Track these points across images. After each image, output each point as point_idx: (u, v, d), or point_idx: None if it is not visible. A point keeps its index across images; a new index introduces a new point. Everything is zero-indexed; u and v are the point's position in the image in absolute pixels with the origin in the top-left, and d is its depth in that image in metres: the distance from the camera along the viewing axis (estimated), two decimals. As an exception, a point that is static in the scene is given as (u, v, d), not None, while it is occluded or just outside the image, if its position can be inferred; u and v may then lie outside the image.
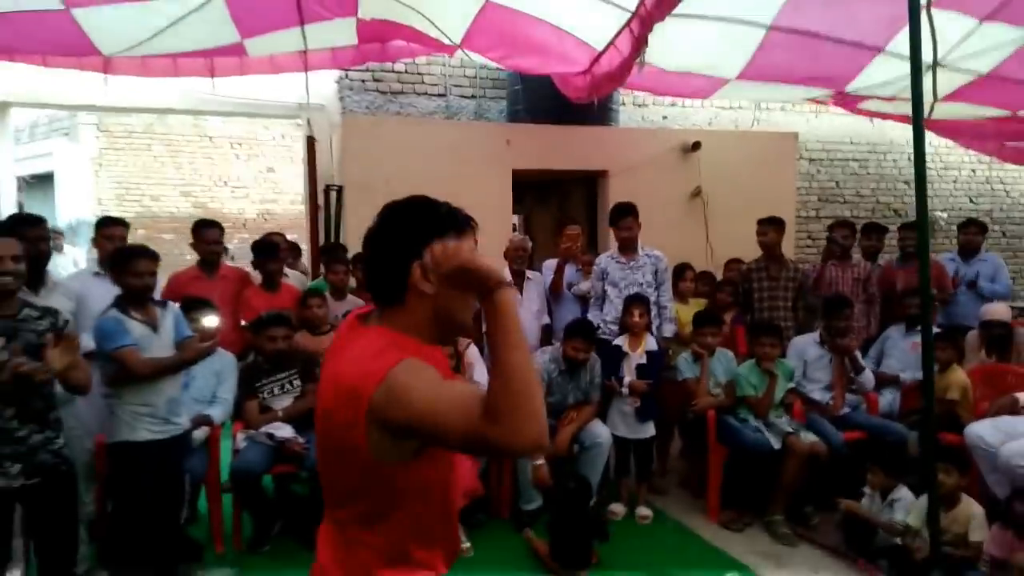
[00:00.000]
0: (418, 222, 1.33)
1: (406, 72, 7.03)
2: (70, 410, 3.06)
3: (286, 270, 4.87)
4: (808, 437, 4.02)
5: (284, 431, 3.74)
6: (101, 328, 2.99)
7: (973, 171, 8.88)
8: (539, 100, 6.19)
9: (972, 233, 5.50)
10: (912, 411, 4.54)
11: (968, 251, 5.49)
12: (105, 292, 3.29)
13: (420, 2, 4.24)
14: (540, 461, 3.92)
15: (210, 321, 3.33)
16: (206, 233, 4.30)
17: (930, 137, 7.90)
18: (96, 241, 3.84)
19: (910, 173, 8.55)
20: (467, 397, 1.20)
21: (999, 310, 4.99)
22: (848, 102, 5.39)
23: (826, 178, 8.40)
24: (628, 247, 4.51)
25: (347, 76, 6.83)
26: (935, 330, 4.62)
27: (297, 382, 3.98)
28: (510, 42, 4.56)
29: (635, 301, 4.24)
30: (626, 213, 4.46)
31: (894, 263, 5.51)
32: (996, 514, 3.30)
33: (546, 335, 4.85)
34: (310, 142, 5.85)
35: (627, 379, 4.17)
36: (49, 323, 2.66)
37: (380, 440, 1.23)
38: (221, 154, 11.36)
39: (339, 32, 4.55)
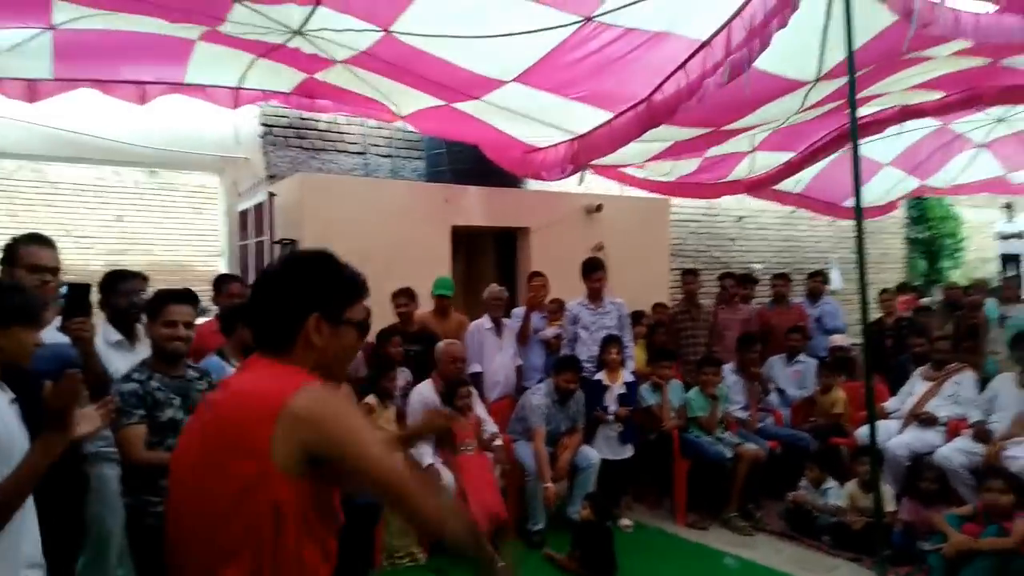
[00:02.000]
0: (326, 280, 1.41)
1: (328, 131, 7.29)
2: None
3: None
4: (751, 446, 5.02)
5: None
6: None
7: (778, 230, 10.99)
8: (462, 163, 6.84)
9: (818, 281, 7.05)
10: (805, 422, 5.76)
11: (815, 296, 7.02)
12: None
13: (384, 87, 4.82)
14: (549, 484, 4.47)
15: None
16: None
17: (751, 202, 9.88)
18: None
19: (735, 231, 10.47)
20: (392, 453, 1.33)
21: (840, 339, 6.53)
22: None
23: (673, 235, 9.92)
24: (596, 296, 5.28)
25: (271, 131, 6.94)
26: (812, 359, 5.97)
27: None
28: (453, 129, 5.30)
29: (611, 341, 5.02)
30: (597, 268, 5.25)
31: (768, 306, 6.87)
32: (902, 490, 4.48)
33: (519, 375, 5.42)
34: (271, 197, 5.90)
35: (612, 408, 4.89)
36: (207, 383, 2.74)
37: (287, 447, 1.22)
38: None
39: (280, 78, 4.91)
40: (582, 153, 5.22)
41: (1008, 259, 11.68)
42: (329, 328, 1.38)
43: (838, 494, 4.65)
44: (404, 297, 5.09)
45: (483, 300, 5.38)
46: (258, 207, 6.18)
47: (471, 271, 7.64)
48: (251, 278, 5.87)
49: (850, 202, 7.57)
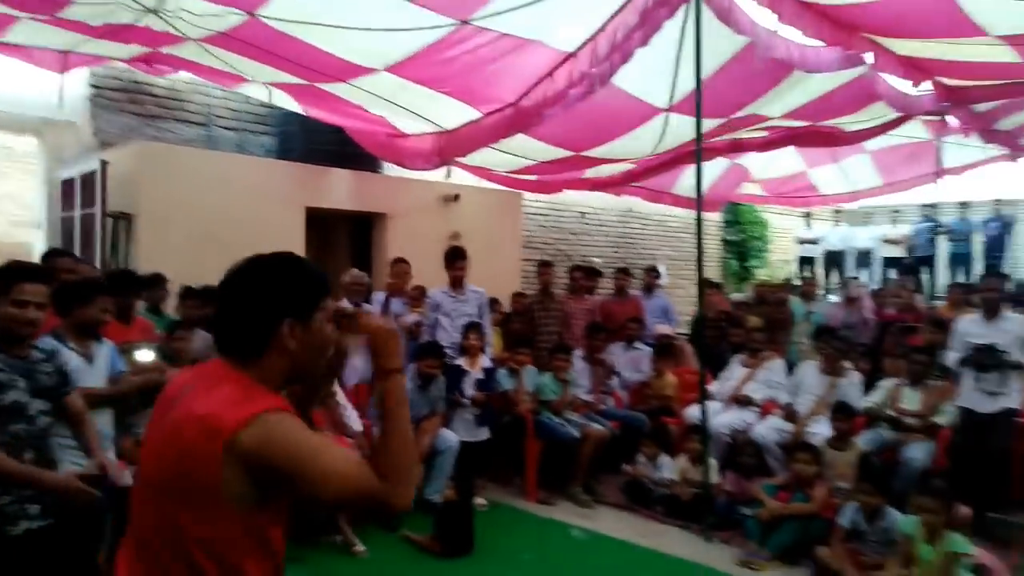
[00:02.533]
0: (297, 282, 1.38)
1: (167, 97, 6.76)
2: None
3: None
4: (596, 427, 5.39)
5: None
6: None
7: (615, 226, 11.74)
8: (317, 142, 6.65)
9: (652, 276, 7.66)
10: (641, 404, 6.27)
11: (649, 289, 7.62)
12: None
13: (241, 65, 4.65)
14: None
15: (144, 356, 3.26)
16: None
17: (593, 200, 10.49)
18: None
19: (579, 227, 11.04)
20: (349, 456, 1.32)
21: (666, 328, 7.18)
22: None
23: (524, 227, 10.29)
24: (458, 284, 5.39)
25: (101, 94, 6.32)
26: (647, 346, 6.50)
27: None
28: (313, 104, 5.21)
29: (472, 328, 5.17)
30: (460, 256, 5.36)
31: (610, 298, 7.36)
32: (724, 464, 5.05)
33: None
34: (104, 166, 5.36)
35: (470, 392, 5.04)
36: (54, 367, 2.52)
37: (235, 480, 1.23)
38: None
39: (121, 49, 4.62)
40: (449, 148, 5.33)
41: (805, 261, 13.29)
42: (302, 330, 1.36)
43: (670, 468, 5.14)
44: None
45: (342, 285, 5.29)
46: (87, 176, 5.61)
47: (325, 255, 7.45)
48: (78, 252, 5.34)
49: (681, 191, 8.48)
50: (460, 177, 7.76)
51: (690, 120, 5.48)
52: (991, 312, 4.72)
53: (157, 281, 4.81)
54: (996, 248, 11.40)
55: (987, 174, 10.10)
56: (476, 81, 4.63)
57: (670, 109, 5.53)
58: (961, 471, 4.49)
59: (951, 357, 4.90)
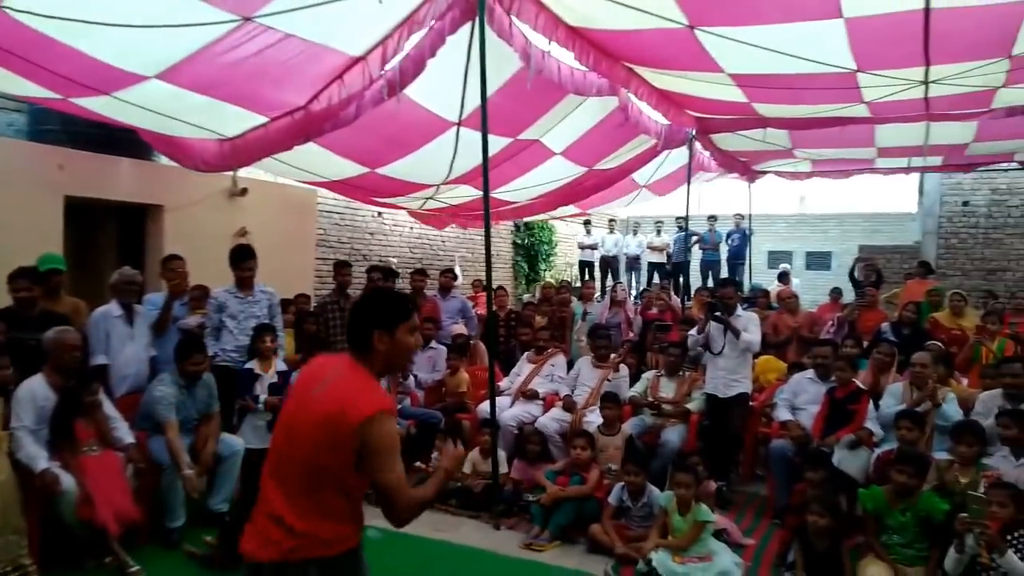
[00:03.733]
0: (384, 305, 2.19)
1: None
2: None
3: None
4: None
5: None
6: None
7: (411, 228, 11.86)
8: (77, 124, 5.95)
9: (448, 277, 7.90)
10: (436, 402, 6.46)
11: (445, 290, 7.84)
12: None
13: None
14: (187, 471, 4.26)
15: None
16: None
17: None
18: None
19: (375, 226, 10.99)
20: (402, 470, 2.05)
21: (459, 328, 7.47)
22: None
23: (318, 225, 10.03)
24: (246, 284, 5.15)
25: None
26: (441, 346, 6.69)
27: None
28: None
29: (265, 330, 4.98)
30: (248, 256, 5.12)
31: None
32: (512, 454, 5.38)
33: (152, 368, 4.98)
34: None
35: (262, 397, 4.86)
36: None
37: (353, 445, 1.98)
38: None
39: None
40: (234, 156, 5.07)
41: (585, 265, 14.45)
42: (388, 338, 2.12)
43: (464, 463, 5.37)
44: (25, 280, 4.32)
45: (111, 285, 4.82)
46: None
47: (88, 251, 6.69)
48: None
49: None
50: (247, 170, 7.39)
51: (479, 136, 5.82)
52: (729, 311, 5.53)
53: None
54: (738, 256, 13.27)
55: (729, 192, 11.84)
56: (262, 85, 4.45)
57: (460, 123, 5.77)
58: (707, 449, 5.25)
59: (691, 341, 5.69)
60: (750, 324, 5.43)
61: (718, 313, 5.39)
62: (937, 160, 9.38)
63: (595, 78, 5.46)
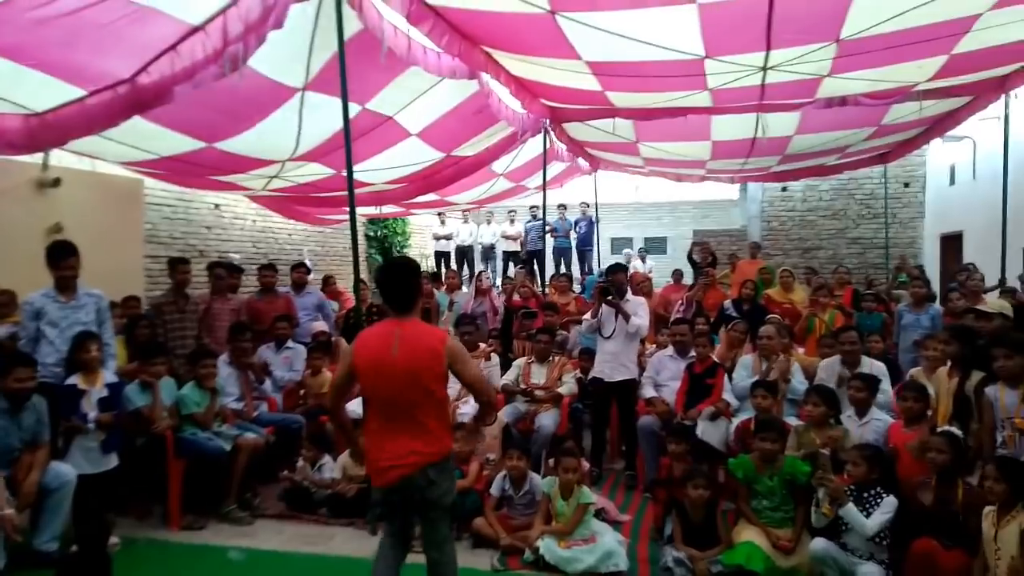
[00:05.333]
0: (418, 274, 3.01)
1: None
2: None
3: None
4: (250, 436, 5.01)
5: None
6: None
7: (254, 221, 11.06)
8: None
9: (302, 272, 7.41)
10: (297, 405, 6.03)
11: (299, 286, 7.35)
12: None
13: None
14: (5, 511, 3.63)
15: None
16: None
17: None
18: None
19: (212, 219, 10.13)
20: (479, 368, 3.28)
21: (321, 325, 7.06)
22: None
23: (144, 219, 9.04)
24: (68, 286, 4.47)
25: None
26: (299, 345, 6.29)
27: None
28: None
29: (89, 338, 4.34)
30: (69, 253, 4.43)
31: (256, 296, 6.90)
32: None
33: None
34: None
35: (92, 415, 4.24)
36: None
37: (444, 365, 2.85)
38: None
39: None
40: (43, 134, 4.36)
41: (441, 256, 14.28)
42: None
43: (332, 468, 5.04)
44: None
45: None
46: None
47: None
48: None
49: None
50: (57, 156, 6.46)
51: (329, 100, 5.41)
52: (620, 295, 5.57)
53: None
54: (586, 243, 13.72)
55: (574, 182, 12.18)
56: (78, 51, 3.85)
57: (305, 87, 5.36)
58: (596, 431, 5.33)
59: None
60: (639, 308, 5.57)
61: (611, 297, 5.47)
62: (766, 163, 10.18)
63: (450, 60, 5.31)
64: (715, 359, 5.49)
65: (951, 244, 11.81)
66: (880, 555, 3.52)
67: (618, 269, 5.82)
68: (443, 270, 13.88)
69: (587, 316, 5.68)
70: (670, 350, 5.65)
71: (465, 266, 14.06)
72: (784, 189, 13.62)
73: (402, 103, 6.12)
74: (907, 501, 3.54)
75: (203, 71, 3.87)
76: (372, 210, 10.87)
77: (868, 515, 3.50)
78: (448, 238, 14.16)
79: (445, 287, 8.08)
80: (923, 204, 13.26)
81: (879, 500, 3.53)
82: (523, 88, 6.70)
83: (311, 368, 6.09)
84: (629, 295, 5.66)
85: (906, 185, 13.29)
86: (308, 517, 4.84)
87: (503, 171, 9.22)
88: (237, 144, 5.83)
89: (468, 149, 7.61)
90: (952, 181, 11.89)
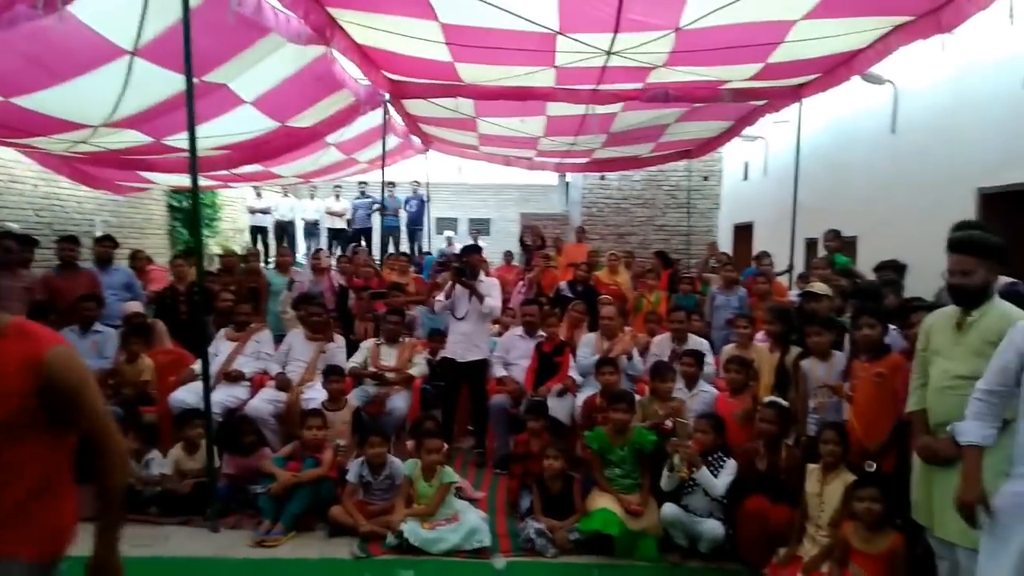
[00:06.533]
0: None
1: None
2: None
3: None
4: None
5: None
6: None
7: (36, 185, 9.59)
8: None
9: (107, 246, 6.56)
10: (112, 396, 5.36)
11: (104, 261, 6.50)
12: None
13: None
14: None
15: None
16: None
17: (2, 153, 8.37)
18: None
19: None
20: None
21: (136, 305, 6.37)
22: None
23: None
24: None
25: None
26: (110, 328, 5.63)
27: None
28: None
29: None
30: None
31: (54, 272, 6.00)
32: (223, 446, 4.74)
33: None
34: None
35: None
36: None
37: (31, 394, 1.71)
38: None
39: None
40: None
41: (257, 231, 13.37)
42: None
43: (162, 463, 4.57)
44: None
45: None
46: None
47: None
48: None
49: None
50: None
51: (158, 71, 4.89)
52: (474, 275, 5.56)
53: None
54: (416, 222, 13.61)
55: (409, 160, 12.01)
56: None
57: (135, 52, 4.77)
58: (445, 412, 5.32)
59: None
60: (492, 289, 5.61)
61: (465, 278, 5.44)
62: (592, 144, 10.68)
63: (299, 24, 4.97)
64: (562, 338, 5.72)
65: (743, 233, 13.28)
66: (718, 513, 3.92)
67: (473, 250, 5.84)
68: (261, 246, 13.06)
69: (439, 297, 5.64)
70: (519, 330, 5.79)
71: (285, 242, 13.31)
72: (602, 178, 14.46)
73: (237, 71, 5.62)
74: (739, 463, 3.97)
75: (11, 8, 3.26)
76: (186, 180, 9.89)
77: (716, 476, 3.88)
78: (265, 212, 13.30)
79: (277, 266, 7.57)
80: (720, 196, 14.77)
81: (722, 463, 3.93)
82: (367, 59, 6.44)
83: (127, 354, 5.44)
84: (482, 276, 5.71)
85: (705, 179, 14.71)
86: (135, 517, 4.33)
87: (335, 141, 8.80)
88: (43, 101, 5.01)
89: (305, 120, 7.17)
90: (746, 177, 13.34)
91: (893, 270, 4.88)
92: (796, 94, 7.29)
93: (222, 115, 6.33)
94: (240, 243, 14.09)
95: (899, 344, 3.88)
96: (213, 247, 12.75)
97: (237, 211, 14.76)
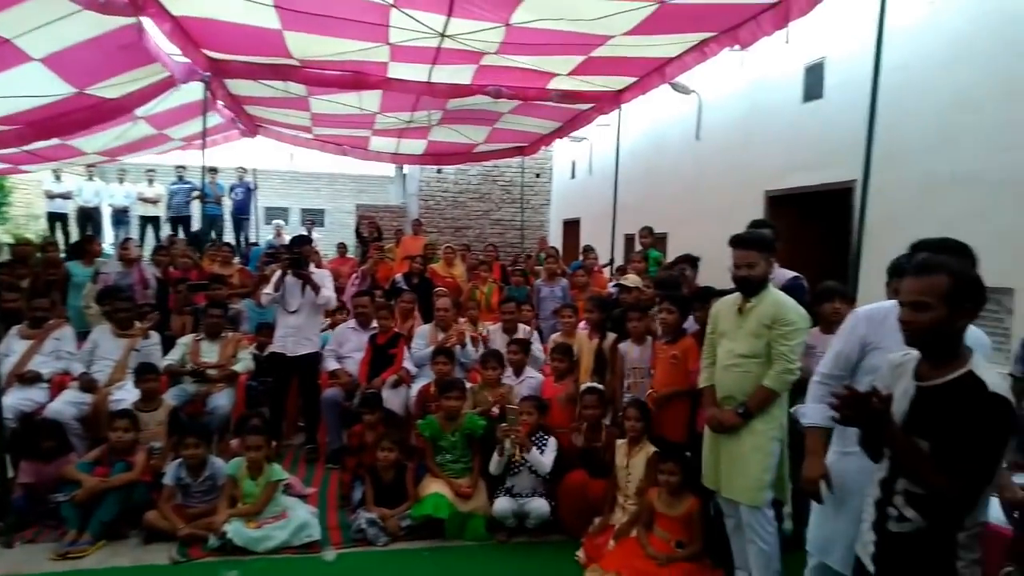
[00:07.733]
0: None
1: None
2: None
3: None
4: None
5: None
6: None
7: None
8: None
9: None
10: None
11: None
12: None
13: None
14: None
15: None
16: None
17: None
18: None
19: None
20: None
21: None
22: None
23: None
24: None
25: None
26: None
27: None
28: None
29: None
30: None
31: None
32: (17, 454, 4.28)
33: None
34: None
35: None
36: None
37: None
38: None
39: None
40: None
41: (56, 218, 12.00)
42: None
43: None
44: None
45: None
46: None
47: None
48: None
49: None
50: None
51: None
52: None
53: None
54: (243, 211, 12.89)
55: (234, 145, 11.37)
56: None
57: None
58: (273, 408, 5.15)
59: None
60: (325, 280, 5.47)
61: (300, 269, 5.26)
62: (427, 120, 10.66)
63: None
64: (396, 330, 5.75)
65: (571, 228, 14.01)
66: (541, 490, 4.17)
67: (303, 241, 5.68)
68: (61, 235, 11.74)
69: (267, 290, 5.43)
70: (352, 322, 5.74)
71: (89, 230, 12.05)
72: (439, 171, 14.56)
73: (24, 28, 5.02)
74: (560, 442, 4.26)
75: None
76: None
77: (542, 454, 4.13)
78: (66, 197, 11.96)
79: (84, 258, 6.86)
80: (551, 193, 15.43)
81: (545, 442, 4.18)
82: (183, 34, 6.00)
83: None
84: (313, 267, 5.58)
85: (537, 175, 15.28)
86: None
87: (145, 114, 8.05)
88: None
89: (109, 90, 6.53)
90: (573, 175, 14.07)
91: (687, 262, 5.42)
92: (617, 99, 7.81)
93: (3, 71, 5.61)
94: (36, 231, 12.58)
95: (692, 327, 4.34)
96: (2, 235, 11.29)
97: (32, 196, 13.14)
